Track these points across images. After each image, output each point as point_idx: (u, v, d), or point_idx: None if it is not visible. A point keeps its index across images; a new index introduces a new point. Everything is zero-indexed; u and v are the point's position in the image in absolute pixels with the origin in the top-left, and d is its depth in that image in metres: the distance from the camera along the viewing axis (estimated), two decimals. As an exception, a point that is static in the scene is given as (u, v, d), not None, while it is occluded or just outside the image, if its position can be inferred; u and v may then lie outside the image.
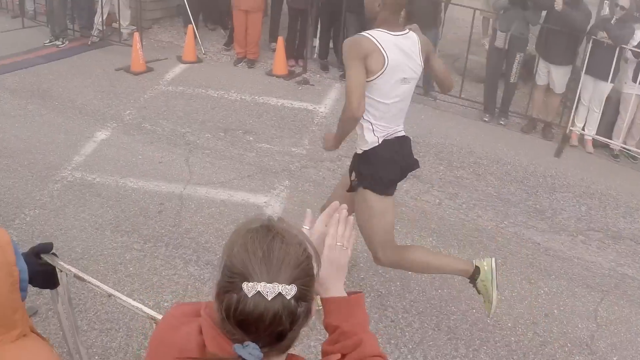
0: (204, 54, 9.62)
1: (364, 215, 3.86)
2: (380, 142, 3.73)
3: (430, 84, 8.20)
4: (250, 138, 6.75)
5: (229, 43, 9.90)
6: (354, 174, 3.89)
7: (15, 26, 11.55)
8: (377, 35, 3.55)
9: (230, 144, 6.58)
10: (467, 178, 6.38)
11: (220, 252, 1.34)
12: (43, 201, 5.49)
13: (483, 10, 9.17)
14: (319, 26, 9.18)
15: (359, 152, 3.83)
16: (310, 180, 5.94)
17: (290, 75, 8.75)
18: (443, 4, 8.41)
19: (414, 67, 3.69)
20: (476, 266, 3.93)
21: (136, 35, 8.97)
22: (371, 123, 3.69)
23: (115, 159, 6.28)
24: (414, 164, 3.97)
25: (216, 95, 7.97)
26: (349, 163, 4.02)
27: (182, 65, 9.13)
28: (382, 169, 3.77)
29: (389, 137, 3.77)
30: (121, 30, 10.32)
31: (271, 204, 5.50)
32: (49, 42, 10.29)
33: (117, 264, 4.67)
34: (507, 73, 7.84)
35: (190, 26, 9.46)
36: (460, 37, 9.64)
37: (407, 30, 3.69)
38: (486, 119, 7.94)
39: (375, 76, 3.55)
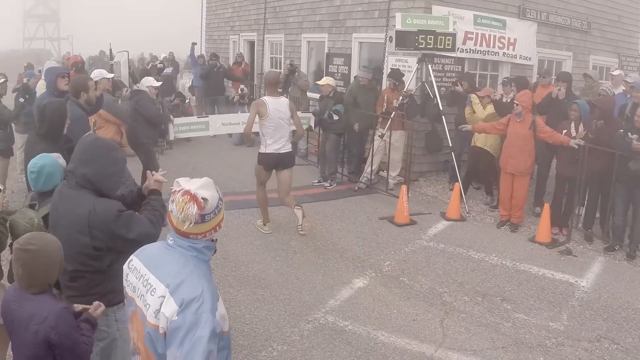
0: (467, 212, 9.77)
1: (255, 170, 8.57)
2: (266, 152, 8.15)
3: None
4: (508, 307, 6.60)
5: (493, 204, 10.03)
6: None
7: (288, 163, 12.83)
8: (266, 99, 8.12)
9: (487, 310, 6.49)
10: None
11: None
12: (292, 339, 5.70)
13: None
14: (586, 195, 8.96)
15: (259, 150, 8.32)
16: (566, 359, 5.67)
17: (553, 243, 8.54)
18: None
19: (284, 112, 8.04)
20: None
21: (404, 187, 9.34)
22: (265, 138, 8.11)
23: (370, 309, 6.42)
24: (286, 163, 8.30)
25: (477, 257, 7.99)
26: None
27: (445, 222, 9.33)
28: (262, 161, 8.26)
29: (273, 152, 8.10)
30: (389, 179, 10.90)
31: (523, 381, 5.36)
32: (317, 182, 11.19)
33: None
34: None
35: (457, 184, 9.72)
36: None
37: (281, 97, 8.30)
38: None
39: (264, 117, 7.91)
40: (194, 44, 18.07)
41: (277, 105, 7.99)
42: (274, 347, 5.56)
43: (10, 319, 3.20)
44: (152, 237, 3.58)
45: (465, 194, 10.04)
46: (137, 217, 3.65)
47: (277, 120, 7.99)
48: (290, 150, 8.30)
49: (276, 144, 8.06)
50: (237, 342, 5.53)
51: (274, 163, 8.21)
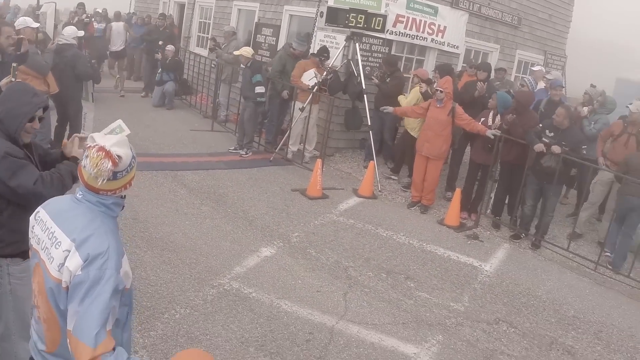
0: (379, 191, 9.74)
1: None
2: None
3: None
4: (411, 284, 6.62)
5: (405, 184, 10.04)
6: None
7: (204, 127, 12.53)
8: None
9: (390, 286, 6.49)
10: (622, 362, 5.88)
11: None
12: (196, 302, 5.61)
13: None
14: (496, 182, 9.08)
15: None
16: (464, 339, 5.68)
17: (461, 227, 8.64)
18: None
19: None
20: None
21: (319, 162, 9.25)
22: None
23: (275, 278, 6.35)
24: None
25: (385, 235, 7.98)
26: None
27: (357, 199, 9.29)
28: None
29: None
30: (304, 153, 10.81)
31: (420, 357, 5.29)
32: (233, 149, 11.00)
33: (255, 382, 4.61)
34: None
35: (371, 162, 9.70)
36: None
37: None
38: (653, 302, 7.36)
39: None
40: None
41: None
42: (177, 310, 5.46)
43: None
44: (36, 195, 3.40)
45: (378, 173, 9.99)
46: (27, 168, 3.48)
47: None
48: None
49: None
50: (140, 303, 5.38)
51: None
